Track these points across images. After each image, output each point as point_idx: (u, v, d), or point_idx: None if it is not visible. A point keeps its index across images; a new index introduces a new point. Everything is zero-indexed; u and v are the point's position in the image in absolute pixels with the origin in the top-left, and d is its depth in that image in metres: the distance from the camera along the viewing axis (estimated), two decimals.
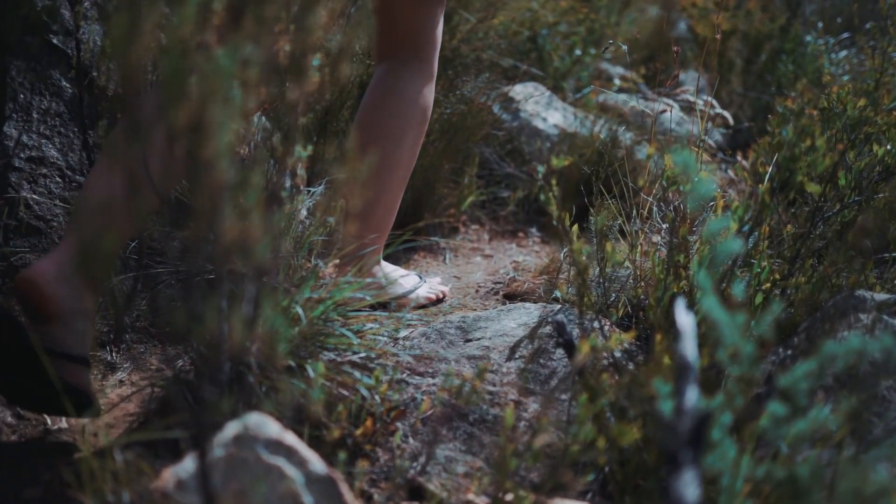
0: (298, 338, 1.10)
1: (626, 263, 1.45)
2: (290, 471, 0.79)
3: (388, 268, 1.72)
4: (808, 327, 1.17)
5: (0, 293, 1.39)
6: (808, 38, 3.30)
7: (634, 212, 1.52)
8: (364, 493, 1.03)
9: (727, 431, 0.72)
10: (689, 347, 0.76)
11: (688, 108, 2.95)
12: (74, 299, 1.09)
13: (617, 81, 3.22)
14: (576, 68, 3.17)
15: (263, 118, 1.75)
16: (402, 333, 1.38)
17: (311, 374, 1.07)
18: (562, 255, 1.76)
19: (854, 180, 1.40)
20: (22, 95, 1.51)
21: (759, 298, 1.24)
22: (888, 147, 1.42)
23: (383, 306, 1.64)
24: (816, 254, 1.37)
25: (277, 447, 0.80)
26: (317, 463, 0.81)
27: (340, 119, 2.06)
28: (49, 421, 1.20)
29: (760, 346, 0.73)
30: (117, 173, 1.07)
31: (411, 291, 1.69)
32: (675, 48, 1.46)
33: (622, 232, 1.59)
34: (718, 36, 1.44)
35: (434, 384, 1.21)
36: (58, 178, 1.53)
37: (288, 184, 1.00)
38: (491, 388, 1.19)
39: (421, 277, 1.77)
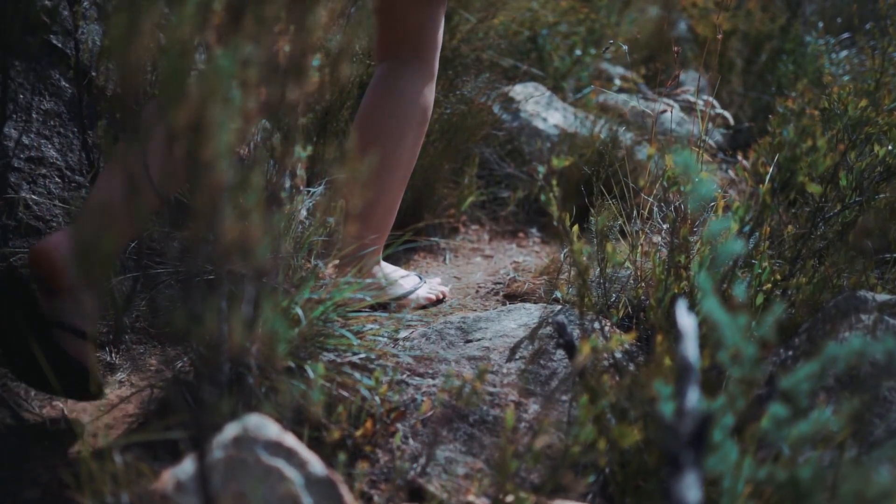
0: (298, 339, 1.10)
1: (627, 264, 1.45)
2: (290, 472, 0.79)
3: (388, 268, 1.72)
4: (809, 328, 1.17)
5: None
6: (809, 38, 3.30)
7: (635, 212, 1.52)
8: (364, 495, 1.03)
9: (729, 433, 0.72)
10: (691, 349, 0.76)
11: (688, 108, 2.94)
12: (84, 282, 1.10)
13: (617, 81, 3.22)
14: (576, 68, 3.17)
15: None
16: (402, 334, 1.37)
17: (311, 375, 1.07)
18: (562, 255, 1.75)
19: (855, 181, 1.40)
20: (22, 96, 1.51)
21: (759, 299, 1.24)
22: (889, 147, 1.41)
23: (383, 307, 1.64)
24: (817, 254, 1.37)
25: (277, 449, 0.80)
26: (316, 464, 0.80)
27: (340, 119, 2.06)
28: (48, 422, 1.20)
29: (762, 347, 0.73)
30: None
31: (411, 292, 1.69)
32: (676, 48, 1.45)
33: (622, 232, 1.58)
34: (720, 36, 1.43)
35: (434, 385, 1.21)
36: (57, 179, 1.53)
37: (288, 184, 1.00)
38: (491, 389, 1.19)
39: (421, 278, 1.77)
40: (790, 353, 1.14)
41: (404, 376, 1.22)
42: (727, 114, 2.93)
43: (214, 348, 0.84)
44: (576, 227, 1.12)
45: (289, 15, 0.83)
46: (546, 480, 0.93)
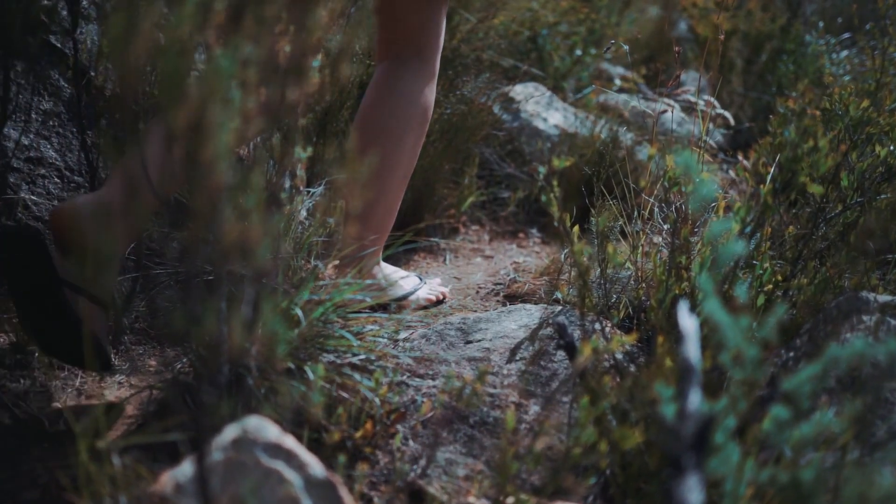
0: (298, 340, 1.09)
1: (628, 265, 1.45)
2: (290, 475, 0.78)
3: (388, 269, 1.71)
4: (811, 329, 1.16)
5: None
6: (809, 38, 3.30)
7: (636, 213, 1.51)
8: (364, 497, 1.03)
9: (730, 435, 0.72)
10: (693, 350, 0.75)
11: (688, 108, 2.94)
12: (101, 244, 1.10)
13: (617, 81, 3.22)
14: (576, 68, 3.17)
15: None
16: (402, 335, 1.37)
17: (311, 376, 1.06)
18: (563, 256, 1.75)
19: (856, 181, 1.39)
20: (21, 96, 1.50)
21: (761, 300, 1.23)
22: (891, 148, 1.41)
23: (383, 308, 1.64)
24: (819, 255, 1.36)
25: (276, 451, 0.79)
26: (316, 467, 0.80)
27: (340, 119, 2.06)
28: (47, 423, 1.20)
29: (763, 348, 0.73)
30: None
31: (411, 293, 1.69)
32: (677, 48, 1.45)
33: (623, 233, 1.58)
34: (721, 37, 1.43)
35: (434, 386, 1.21)
36: (56, 179, 1.52)
37: (287, 185, 1.00)
38: (491, 391, 1.19)
39: (421, 279, 1.76)
40: (791, 354, 1.14)
41: (404, 377, 1.22)
42: (727, 114, 2.92)
43: (214, 349, 0.84)
44: (576, 228, 1.12)
45: (289, 15, 0.82)
46: (547, 482, 0.93)
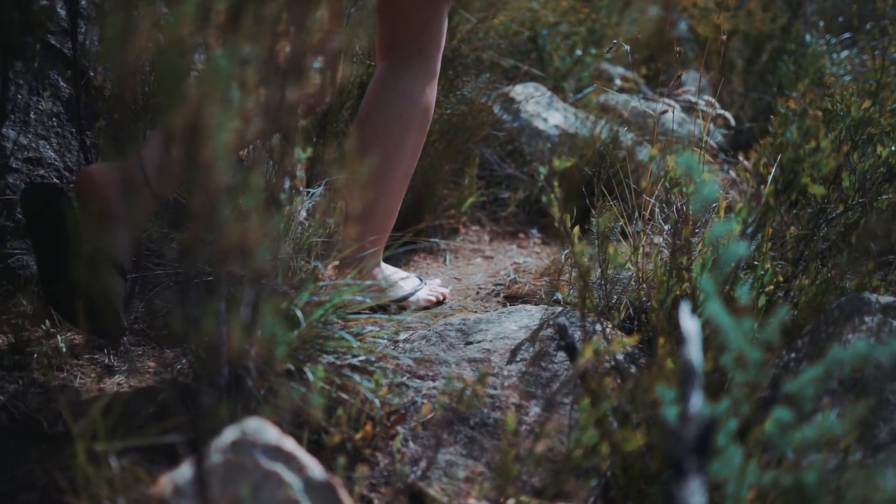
0: (297, 341, 1.09)
1: (628, 265, 1.44)
2: (289, 477, 0.78)
3: (388, 270, 1.71)
4: (813, 330, 1.16)
5: None
6: (809, 38, 3.29)
7: (636, 213, 1.51)
8: (364, 499, 1.02)
9: (732, 437, 0.71)
10: (695, 352, 0.75)
11: (689, 108, 2.94)
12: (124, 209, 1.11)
13: (618, 82, 3.22)
14: (576, 68, 3.16)
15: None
16: (402, 336, 1.37)
17: (311, 377, 1.06)
18: (563, 256, 1.75)
19: (858, 182, 1.39)
20: (20, 96, 1.50)
21: (762, 301, 1.23)
22: (892, 148, 1.40)
23: (383, 309, 1.63)
24: (820, 256, 1.36)
25: (276, 453, 0.79)
26: (316, 469, 0.79)
27: (340, 120, 2.05)
28: (46, 424, 1.19)
29: (766, 350, 0.72)
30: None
31: (411, 294, 1.68)
32: (678, 49, 1.45)
33: (624, 233, 1.58)
34: (724, 37, 1.43)
35: (434, 387, 1.20)
36: (55, 179, 1.52)
37: (287, 185, 0.99)
38: (492, 392, 1.18)
39: (421, 280, 1.76)
40: (793, 355, 1.14)
41: (404, 379, 1.21)
42: (728, 114, 2.92)
43: (213, 351, 0.83)
44: (577, 229, 1.12)
45: (289, 15, 0.82)
46: (547, 484, 0.93)
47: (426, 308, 1.71)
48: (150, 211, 1.17)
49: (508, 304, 1.78)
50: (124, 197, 1.09)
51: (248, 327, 0.85)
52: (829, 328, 1.12)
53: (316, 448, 1.04)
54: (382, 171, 1.55)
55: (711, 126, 2.73)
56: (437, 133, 2.23)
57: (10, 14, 1.30)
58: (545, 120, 2.66)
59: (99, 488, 0.79)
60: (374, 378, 1.11)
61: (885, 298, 1.17)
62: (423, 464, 1.06)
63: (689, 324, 0.79)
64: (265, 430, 0.80)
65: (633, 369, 1.18)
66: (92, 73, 1.58)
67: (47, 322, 1.39)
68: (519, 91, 2.73)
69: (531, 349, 1.27)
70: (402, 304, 1.66)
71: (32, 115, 1.52)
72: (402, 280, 1.70)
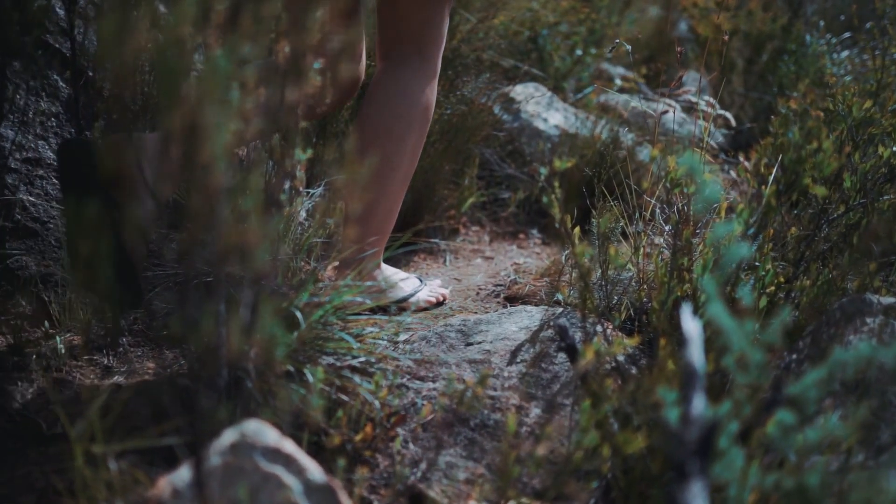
0: (297, 342, 1.09)
1: (629, 266, 1.44)
2: (289, 479, 0.77)
3: (388, 271, 1.70)
4: (814, 331, 1.15)
5: None
6: (809, 38, 3.29)
7: (637, 213, 1.50)
8: (364, 500, 1.02)
9: (734, 439, 0.71)
10: (696, 354, 0.75)
11: (689, 108, 2.93)
12: (153, 178, 1.12)
13: (618, 82, 3.21)
14: (576, 69, 3.16)
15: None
16: (403, 337, 1.36)
17: (311, 379, 1.06)
18: (563, 257, 1.74)
19: (859, 182, 1.38)
20: (19, 96, 1.50)
21: (763, 302, 1.22)
22: (893, 148, 1.40)
23: (383, 310, 1.63)
24: (821, 257, 1.35)
25: (275, 455, 0.78)
26: (315, 471, 0.79)
27: (340, 120, 2.05)
28: (45, 426, 1.19)
29: (768, 351, 0.72)
30: None
31: (412, 295, 1.68)
32: (679, 49, 1.44)
33: (624, 234, 1.57)
34: (726, 37, 1.42)
35: (435, 389, 1.20)
36: (54, 180, 1.51)
37: (287, 186, 0.99)
38: (492, 393, 1.18)
39: (421, 280, 1.75)
40: (794, 356, 1.13)
41: (404, 380, 1.21)
42: (728, 114, 2.92)
43: (212, 352, 0.83)
44: (577, 229, 1.11)
45: (288, 15, 0.81)
46: (548, 486, 0.92)
47: (426, 309, 1.70)
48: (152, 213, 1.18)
49: (509, 304, 1.77)
50: (147, 165, 1.11)
51: (247, 328, 0.85)
52: (830, 329, 1.12)
53: (316, 450, 1.03)
54: (382, 171, 1.55)
55: (712, 126, 2.73)
56: (438, 133, 2.23)
57: (9, 14, 1.29)
58: (545, 120, 2.65)
59: (97, 491, 0.79)
60: (374, 379, 1.10)
61: (887, 299, 1.17)
62: (423, 465, 1.06)
63: (691, 325, 0.79)
64: (264, 432, 0.79)
65: (634, 371, 1.18)
66: (91, 74, 1.57)
67: (46, 323, 1.39)
68: (519, 91, 2.73)
69: (532, 350, 1.26)
70: (402, 305, 1.66)
71: (31, 115, 1.51)
72: (402, 281, 1.70)
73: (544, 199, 1.04)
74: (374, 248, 1.57)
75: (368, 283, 1.53)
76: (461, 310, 1.74)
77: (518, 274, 1.96)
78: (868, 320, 1.12)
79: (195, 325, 0.74)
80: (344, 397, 1.10)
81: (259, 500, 0.76)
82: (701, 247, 1.20)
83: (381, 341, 1.28)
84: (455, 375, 1.22)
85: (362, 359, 1.16)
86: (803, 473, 0.71)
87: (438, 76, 1.61)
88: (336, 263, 1.49)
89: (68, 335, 1.39)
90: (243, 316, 0.83)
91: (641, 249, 1.41)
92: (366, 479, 1.04)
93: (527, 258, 2.20)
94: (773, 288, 1.23)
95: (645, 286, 1.39)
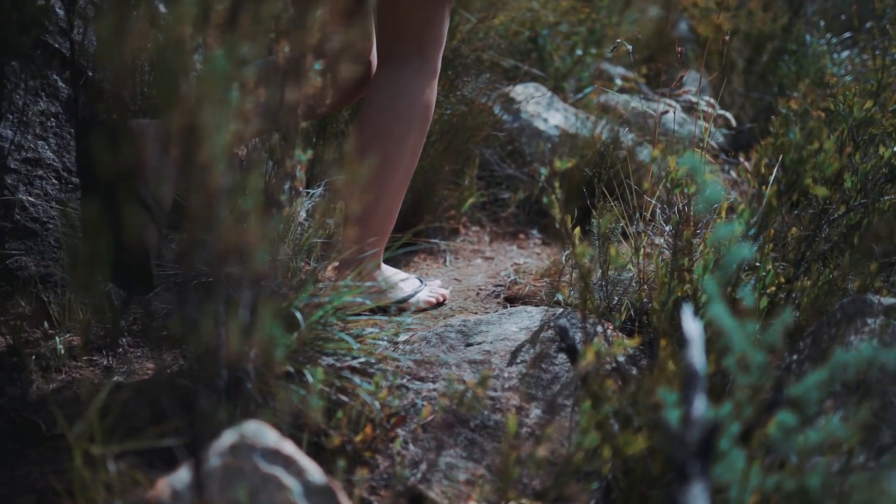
0: (297, 343, 1.08)
1: (629, 266, 1.43)
2: (288, 481, 0.77)
3: (388, 271, 1.70)
4: (815, 332, 1.15)
5: None
6: (810, 38, 3.29)
7: (637, 214, 1.50)
8: (364, 502, 1.01)
9: (735, 440, 0.71)
10: (697, 355, 0.74)
11: (689, 108, 2.93)
12: (164, 163, 1.12)
13: (618, 82, 3.21)
14: (577, 69, 3.16)
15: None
16: (403, 338, 1.36)
17: (310, 379, 1.05)
18: (564, 257, 1.74)
19: (860, 182, 1.38)
20: (17, 95, 1.49)
21: (763, 302, 1.22)
22: (894, 149, 1.40)
23: (383, 310, 1.63)
24: (822, 257, 1.35)
25: (275, 456, 0.78)
26: (315, 472, 0.79)
27: (340, 120, 2.05)
28: (44, 426, 1.19)
29: (769, 352, 0.72)
30: None
31: (412, 295, 1.68)
32: (680, 49, 1.44)
33: (624, 234, 1.57)
34: (727, 38, 1.42)
35: (435, 389, 1.19)
36: (54, 180, 1.51)
37: (287, 186, 0.98)
38: (492, 394, 1.17)
39: (421, 281, 1.75)
40: (795, 357, 1.13)
41: (404, 380, 1.21)
42: (729, 115, 2.91)
43: (212, 353, 0.83)
44: (577, 229, 1.11)
45: (287, 14, 0.81)
46: (548, 487, 0.92)
47: (426, 309, 1.70)
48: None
49: (509, 305, 1.77)
50: (160, 150, 1.12)
51: (246, 329, 0.84)
52: (831, 330, 1.12)
53: (315, 451, 1.03)
54: (382, 171, 1.54)
55: (712, 126, 2.72)
56: (438, 133, 2.22)
57: (8, 13, 1.29)
58: (545, 120, 2.65)
59: (96, 492, 0.78)
60: (374, 380, 1.10)
61: (888, 300, 1.16)
62: (423, 466, 1.06)
63: (692, 326, 0.79)
64: (264, 433, 0.79)
65: (634, 371, 1.18)
66: (91, 74, 1.57)
67: (45, 323, 1.39)
68: (519, 91, 2.72)
69: (532, 351, 1.26)
70: (402, 306, 1.65)
71: (31, 116, 1.51)
72: (402, 281, 1.70)
73: (544, 200, 1.03)
74: (374, 249, 1.57)
75: (368, 284, 1.53)
76: (461, 310, 1.74)
77: (518, 274, 1.95)
78: (869, 321, 1.12)
79: (194, 326, 0.74)
80: (344, 398, 1.10)
81: (259, 501, 0.75)
82: (701, 247, 1.19)
83: (381, 342, 1.27)
84: (455, 376, 1.22)
85: (362, 359, 1.16)
86: (804, 475, 0.70)
87: (438, 76, 1.61)
88: (336, 264, 1.49)
89: (68, 336, 1.39)
90: (243, 317, 0.82)
91: (642, 250, 1.41)
92: (366, 480, 1.04)
93: (527, 258, 2.20)
94: (773, 288, 1.23)
95: (645, 287, 1.39)
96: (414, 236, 2.09)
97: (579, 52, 3.16)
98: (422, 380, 1.22)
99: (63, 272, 1.45)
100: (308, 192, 1.53)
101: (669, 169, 1.27)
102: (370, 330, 1.27)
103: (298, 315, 1.10)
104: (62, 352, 1.32)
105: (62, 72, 1.55)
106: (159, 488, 0.74)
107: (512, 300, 1.80)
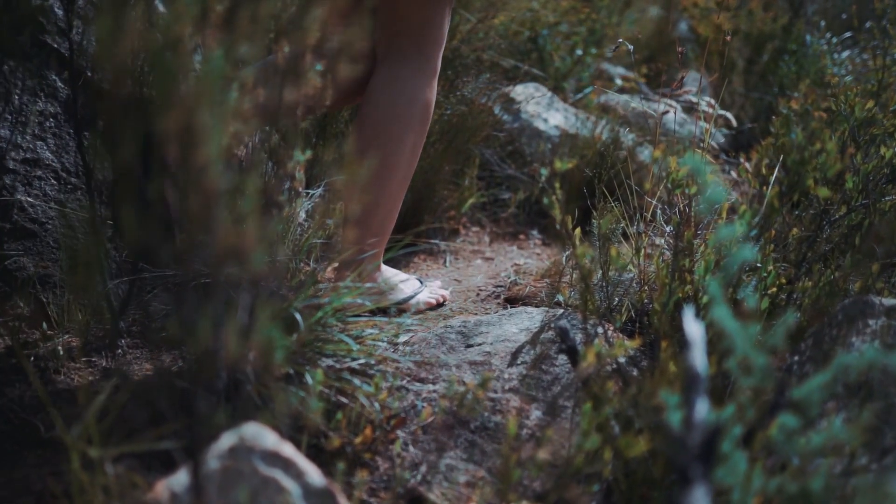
0: (296, 344, 1.08)
1: (630, 267, 1.43)
2: (288, 483, 0.77)
3: (388, 272, 1.70)
4: (816, 333, 1.15)
5: None
6: (810, 38, 3.28)
7: (638, 214, 1.50)
8: None
9: (737, 443, 0.70)
10: (699, 357, 0.74)
11: (689, 108, 2.93)
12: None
13: (618, 82, 3.21)
14: (577, 69, 3.15)
15: None
16: (402, 339, 1.36)
17: (310, 381, 1.05)
18: (564, 258, 1.74)
19: (861, 183, 1.38)
20: (16, 96, 1.49)
21: (765, 303, 1.22)
22: (895, 149, 1.39)
23: (383, 312, 1.62)
24: (823, 258, 1.35)
25: (274, 459, 0.78)
26: (314, 475, 0.78)
27: (339, 121, 2.04)
28: (43, 428, 1.18)
29: (771, 354, 0.71)
30: None
31: (412, 297, 1.67)
32: (680, 49, 1.44)
33: (625, 235, 1.57)
34: (728, 38, 1.42)
35: (435, 391, 1.19)
36: (52, 181, 1.51)
37: (286, 186, 0.98)
38: (493, 395, 1.17)
39: (421, 282, 1.75)
40: (797, 358, 1.12)
41: (404, 382, 1.20)
42: (729, 115, 2.91)
43: (210, 355, 0.82)
44: (578, 230, 1.11)
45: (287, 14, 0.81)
46: (549, 490, 0.91)
47: (426, 310, 1.69)
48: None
49: (509, 306, 1.77)
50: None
51: (245, 331, 0.84)
52: (833, 331, 1.11)
53: (315, 453, 1.03)
54: (382, 171, 1.54)
55: (712, 126, 2.72)
56: (437, 133, 2.22)
57: (3, 13, 1.29)
58: (545, 120, 2.65)
59: (94, 495, 0.78)
60: (374, 381, 1.10)
61: (890, 301, 1.16)
62: (423, 468, 1.05)
63: (693, 327, 0.78)
64: (263, 435, 0.79)
65: (635, 373, 1.17)
66: (90, 74, 1.56)
67: (44, 325, 1.38)
68: (519, 91, 2.72)
69: (532, 352, 1.26)
70: (402, 307, 1.65)
71: (30, 116, 1.51)
72: (402, 282, 1.69)
73: (545, 200, 1.03)
74: (373, 250, 1.57)
75: (368, 285, 1.53)
76: (461, 311, 1.73)
77: (518, 275, 1.95)
78: (871, 322, 1.11)
79: (193, 328, 0.73)
80: (343, 400, 1.10)
81: None
82: (703, 248, 1.19)
83: (380, 343, 1.27)
84: (455, 377, 1.21)
85: (362, 361, 1.15)
86: (807, 477, 0.70)
87: (438, 76, 1.61)
88: (336, 265, 1.49)
89: (66, 337, 1.38)
90: (242, 318, 0.82)
91: (643, 250, 1.40)
92: (365, 482, 1.03)
93: (527, 259, 2.19)
94: (774, 289, 1.22)
95: (646, 288, 1.38)
96: (414, 237, 2.08)
97: (579, 52, 3.15)
98: (422, 381, 1.21)
99: (62, 273, 1.44)
100: (307, 193, 1.53)
101: (670, 169, 1.27)
102: (370, 331, 1.26)
103: (298, 316, 1.09)
104: (61, 353, 1.32)
105: (61, 72, 1.54)
106: (158, 491, 0.74)
107: (512, 301, 1.80)
